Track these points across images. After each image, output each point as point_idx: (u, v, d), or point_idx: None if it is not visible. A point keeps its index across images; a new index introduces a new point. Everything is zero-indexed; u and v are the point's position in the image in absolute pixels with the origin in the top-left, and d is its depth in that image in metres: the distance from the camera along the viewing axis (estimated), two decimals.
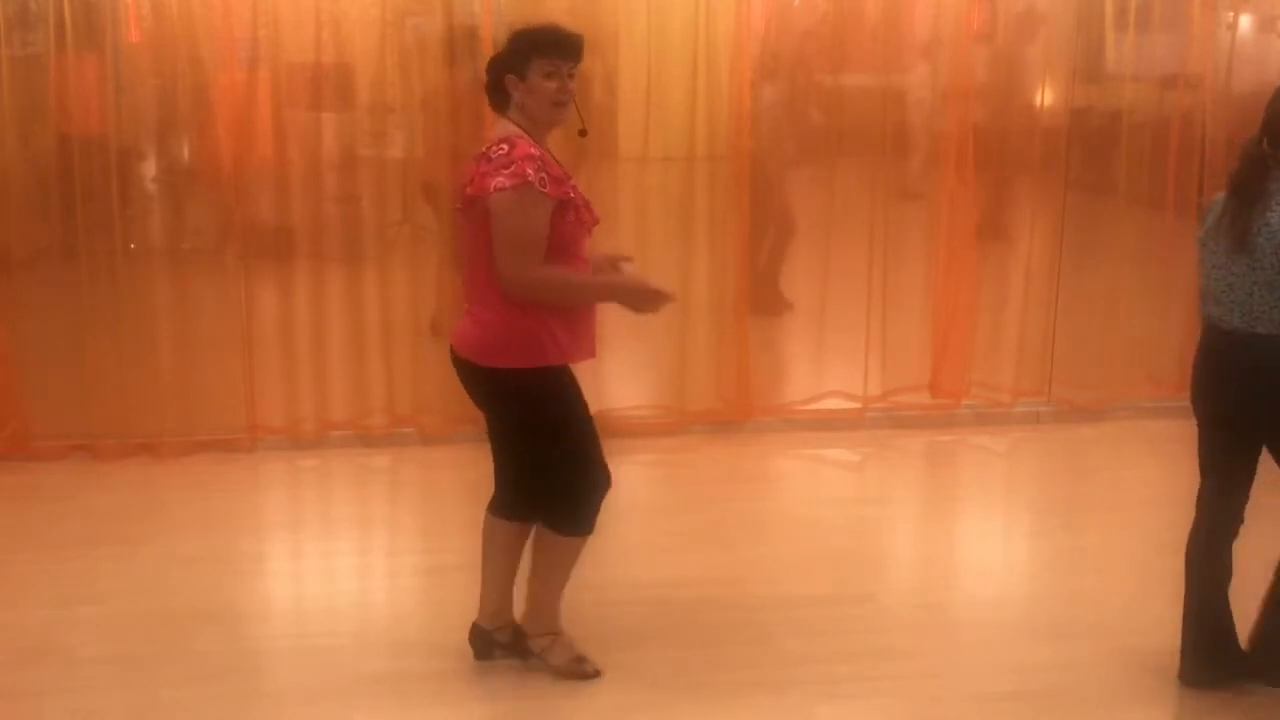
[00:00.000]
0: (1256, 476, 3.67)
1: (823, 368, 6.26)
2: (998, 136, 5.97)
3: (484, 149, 3.44)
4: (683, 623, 4.08)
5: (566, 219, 3.42)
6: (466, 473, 5.42)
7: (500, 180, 3.32)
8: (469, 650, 3.88)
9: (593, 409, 5.58)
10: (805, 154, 6.02)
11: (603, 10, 5.49)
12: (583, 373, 3.82)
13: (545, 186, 3.35)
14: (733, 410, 5.87)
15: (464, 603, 4.25)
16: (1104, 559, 4.59)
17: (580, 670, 3.75)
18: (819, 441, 5.85)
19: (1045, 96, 6.02)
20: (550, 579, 3.72)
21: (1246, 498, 3.68)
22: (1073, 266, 6.13)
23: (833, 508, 5.14)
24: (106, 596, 4.22)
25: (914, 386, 6.07)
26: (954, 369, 6.03)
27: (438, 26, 5.46)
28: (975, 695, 3.69)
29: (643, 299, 3.51)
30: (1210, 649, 3.70)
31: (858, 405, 6.02)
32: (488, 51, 5.41)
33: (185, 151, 5.59)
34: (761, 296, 6.22)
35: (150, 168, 5.57)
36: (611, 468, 3.71)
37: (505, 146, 3.37)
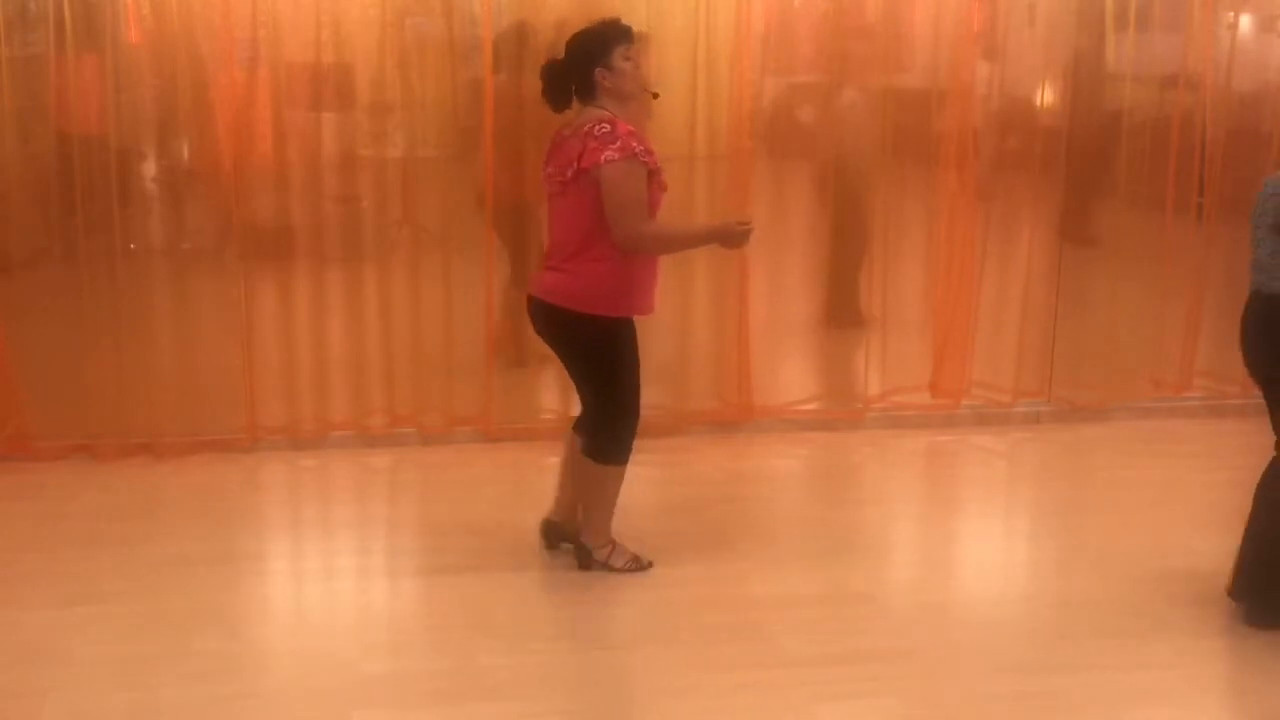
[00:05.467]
0: None
1: (824, 368, 6.26)
2: (997, 136, 5.97)
3: (584, 129, 3.99)
4: (683, 623, 4.08)
5: (652, 185, 4.04)
6: (466, 473, 5.44)
7: (610, 153, 3.92)
8: (469, 650, 3.89)
9: None
10: (802, 154, 6.03)
11: (602, 9, 5.47)
12: None
13: (645, 157, 3.97)
14: (733, 410, 5.87)
15: (464, 602, 4.26)
16: (1104, 559, 4.58)
17: (638, 565, 4.39)
18: (819, 441, 5.85)
19: (1045, 96, 6.02)
20: (600, 504, 4.32)
21: None
22: (1073, 266, 6.13)
23: (833, 508, 5.14)
24: (106, 596, 4.22)
25: (914, 386, 6.07)
26: (954, 369, 6.02)
27: (437, 26, 5.46)
28: (975, 695, 3.69)
29: (732, 236, 4.22)
30: (1261, 573, 4.00)
31: (858, 405, 6.02)
32: (488, 51, 5.43)
33: (185, 151, 5.58)
34: (837, 308, 6.17)
35: (150, 168, 5.56)
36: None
37: (607, 125, 3.97)
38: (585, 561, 4.39)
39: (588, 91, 4.08)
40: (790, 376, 6.17)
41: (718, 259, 5.66)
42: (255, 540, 4.75)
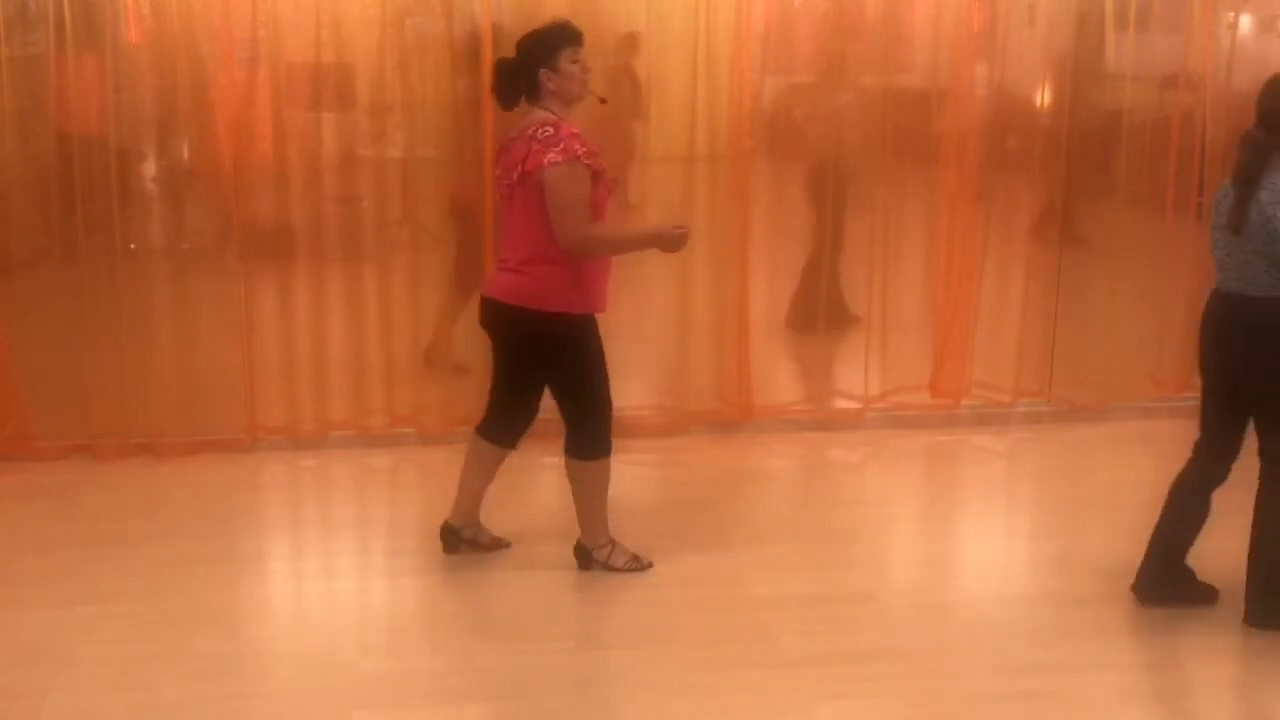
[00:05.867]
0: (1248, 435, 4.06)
1: (823, 368, 6.26)
2: (997, 136, 5.97)
3: (528, 132, 4.04)
4: (683, 623, 4.08)
5: (598, 186, 4.07)
6: None
7: (553, 156, 3.96)
8: (469, 650, 3.89)
9: None
10: (802, 154, 6.03)
11: (602, 10, 5.49)
12: None
13: (589, 159, 4.00)
14: (733, 410, 5.87)
15: (464, 602, 4.27)
16: (1104, 559, 4.58)
17: (638, 565, 4.41)
18: (819, 441, 5.85)
19: (1044, 96, 6.02)
20: (594, 501, 4.33)
21: (1235, 456, 4.13)
22: (1073, 266, 6.13)
23: (832, 508, 5.14)
24: (106, 596, 4.22)
25: (914, 386, 6.07)
26: (954, 369, 6.02)
27: (437, 26, 5.46)
28: (975, 695, 3.69)
29: (669, 240, 4.15)
30: (1162, 573, 4.16)
31: (858, 405, 6.02)
32: (488, 52, 5.42)
33: (185, 151, 5.58)
34: (801, 309, 6.13)
35: (150, 168, 5.56)
36: (612, 468, 4.32)
37: (550, 129, 4.01)
38: (585, 561, 4.39)
39: (533, 92, 4.10)
40: (790, 376, 6.18)
41: (718, 260, 5.67)
42: (255, 540, 4.76)
